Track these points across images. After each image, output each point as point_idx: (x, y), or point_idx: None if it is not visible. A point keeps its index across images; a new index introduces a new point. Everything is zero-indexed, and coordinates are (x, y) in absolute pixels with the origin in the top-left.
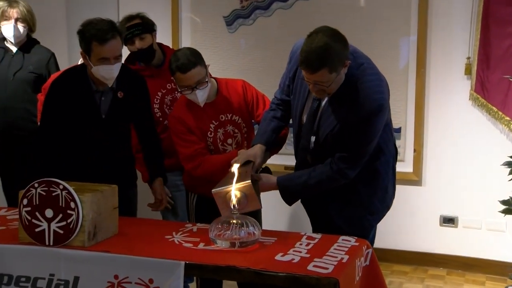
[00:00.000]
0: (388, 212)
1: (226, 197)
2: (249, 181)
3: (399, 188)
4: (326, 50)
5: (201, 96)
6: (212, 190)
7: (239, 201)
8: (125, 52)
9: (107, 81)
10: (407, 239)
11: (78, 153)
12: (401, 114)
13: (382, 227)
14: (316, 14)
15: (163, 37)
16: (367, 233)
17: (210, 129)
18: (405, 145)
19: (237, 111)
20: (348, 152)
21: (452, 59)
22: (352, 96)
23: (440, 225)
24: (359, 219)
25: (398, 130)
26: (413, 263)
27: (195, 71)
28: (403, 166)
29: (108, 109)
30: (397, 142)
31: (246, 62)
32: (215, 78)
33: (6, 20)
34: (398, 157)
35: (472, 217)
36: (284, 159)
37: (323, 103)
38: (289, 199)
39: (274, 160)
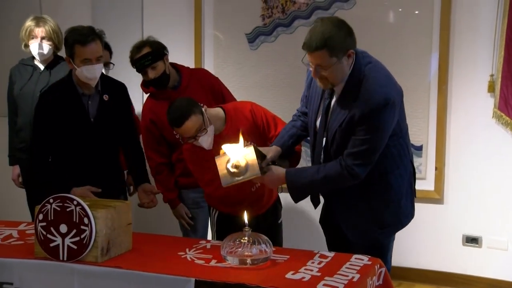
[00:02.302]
0: (409, 230)
1: (226, 163)
2: (252, 147)
3: (420, 206)
4: (328, 33)
5: (205, 142)
6: (223, 185)
7: (239, 165)
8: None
9: (91, 81)
10: (429, 258)
11: (70, 160)
12: (423, 132)
13: (404, 245)
14: None
15: (186, 53)
16: (379, 247)
17: None
18: (427, 163)
19: (248, 137)
20: (356, 148)
21: (474, 77)
22: (358, 91)
23: (463, 244)
24: (368, 231)
25: (420, 147)
26: (435, 283)
27: (189, 123)
28: (425, 184)
29: (96, 112)
30: (419, 160)
31: (268, 78)
32: (222, 107)
33: (33, 39)
34: (419, 175)
35: (497, 237)
36: None
37: (333, 102)
38: (295, 194)
39: None
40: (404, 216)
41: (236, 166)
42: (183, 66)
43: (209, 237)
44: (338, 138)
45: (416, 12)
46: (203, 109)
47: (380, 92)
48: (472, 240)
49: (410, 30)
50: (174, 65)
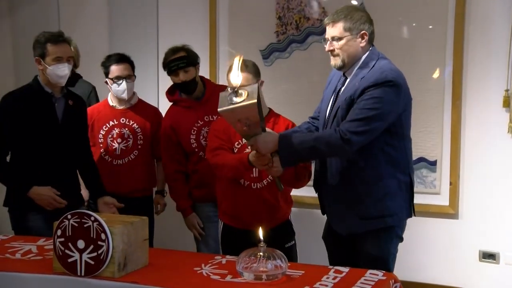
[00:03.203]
0: (425, 245)
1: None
2: (256, 85)
3: (435, 221)
4: (347, 11)
5: None
6: (218, 110)
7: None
8: (167, 81)
9: (61, 80)
10: (445, 274)
11: (33, 159)
12: (437, 147)
13: (420, 260)
14: None
15: (201, 70)
16: (366, 240)
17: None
18: (441, 178)
19: None
20: (353, 116)
21: (489, 91)
22: (367, 73)
23: (480, 260)
24: (351, 222)
25: (434, 163)
26: None
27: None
28: (439, 199)
29: (62, 114)
30: (433, 175)
31: (282, 94)
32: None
33: None
34: (434, 189)
35: None
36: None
37: (342, 89)
38: (285, 155)
39: (304, 192)
40: (389, 216)
41: (236, 91)
42: (209, 81)
43: None
44: (340, 112)
45: (430, 27)
46: (260, 80)
47: (388, 73)
48: (489, 256)
49: (424, 45)
50: (202, 78)
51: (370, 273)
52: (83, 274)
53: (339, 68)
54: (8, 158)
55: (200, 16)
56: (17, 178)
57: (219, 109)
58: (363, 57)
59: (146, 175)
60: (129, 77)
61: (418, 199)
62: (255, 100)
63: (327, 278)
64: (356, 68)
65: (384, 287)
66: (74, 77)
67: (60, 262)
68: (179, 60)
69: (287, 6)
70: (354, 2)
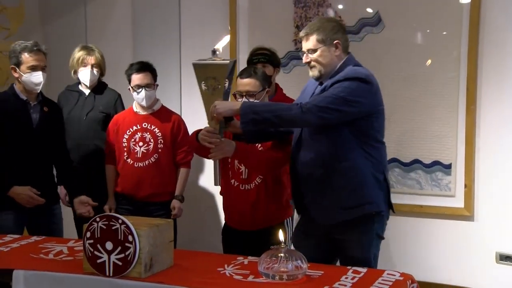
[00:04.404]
0: (441, 246)
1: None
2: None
3: (450, 223)
4: (319, 23)
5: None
6: (192, 62)
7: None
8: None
9: (36, 87)
10: (462, 275)
11: (10, 161)
12: (452, 150)
13: (436, 261)
14: (368, 55)
15: None
16: (342, 232)
17: None
18: (456, 181)
19: None
20: (319, 96)
21: (504, 96)
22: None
23: (497, 262)
24: (332, 211)
25: (449, 166)
26: None
27: (251, 81)
28: (454, 202)
29: (38, 120)
30: (448, 178)
31: None
32: None
33: (84, 66)
34: (449, 192)
35: None
36: None
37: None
38: (245, 117)
39: None
40: (367, 203)
41: (214, 53)
42: (281, 90)
43: None
44: None
45: (444, 33)
46: (267, 89)
47: (359, 71)
48: (506, 258)
49: (438, 51)
50: (276, 85)
51: (388, 273)
52: (111, 274)
53: (317, 79)
54: None
55: (220, 26)
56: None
57: (193, 62)
58: (339, 64)
59: (165, 178)
60: (148, 85)
61: (433, 202)
62: (228, 61)
63: (346, 278)
64: (331, 76)
65: (401, 287)
66: (102, 85)
67: (89, 262)
68: (261, 55)
69: (304, 16)
70: (369, 10)
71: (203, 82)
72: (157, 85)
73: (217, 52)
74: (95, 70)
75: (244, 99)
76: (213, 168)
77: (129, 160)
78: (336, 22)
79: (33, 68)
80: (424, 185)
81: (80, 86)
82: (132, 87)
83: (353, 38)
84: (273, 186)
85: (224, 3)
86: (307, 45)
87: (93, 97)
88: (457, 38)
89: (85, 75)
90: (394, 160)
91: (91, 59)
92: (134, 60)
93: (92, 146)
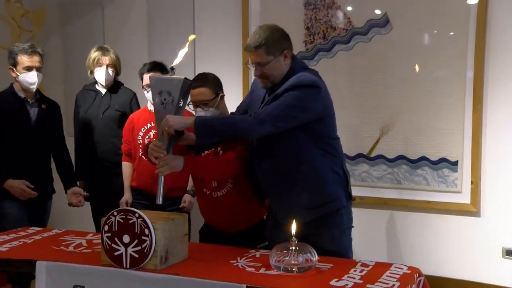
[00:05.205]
0: (447, 241)
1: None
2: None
3: (456, 219)
4: (264, 34)
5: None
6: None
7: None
8: None
9: (32, 86)
10: (468, 269)
11: (8, 156)
12: (458, 148)
13: (442, 256)
14: (376, 55)
15: (234, 76)
16: (313, 228)
17: None
18: (462, 178)
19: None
20: (270, 106)
21: (510, 95)
22: (287, 80)
23: (503, 257)
24: (296, 211)
25: (455, 163)
26: None
27: (202, 90)
28: (460, 198)
29: (36, 117)
30: (454, 175)
31: None
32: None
33: (99, 66)
34: (455, 188)
35: None
36: None
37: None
38: (199, 129)
39: None
40: (330, 201)
41: (172, 69)
42: None
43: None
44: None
45: (451, 33)
46: (221, 95)
47: (306, 77)
48: None
49: (445, 51)
50: None
51: (395, 267)
52: (128, 266)
53: (269, 89)
54: None
55: (233, 27)
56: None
57: (149, 75)
58: (287, 70)
59: (178, 174)
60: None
61: (440, 198)
62: (183, 77)
63: (355, 271)
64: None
65: (408, 281)
66: (117, 84)
67: (107, 255)
68: None
69: (314, 17)
70: (378, 12)
71: (157, 96)
72: None
73: (174, 70)
74: (110, 70)
75: (199, 110)
76: (157, 184)
77: (143, 157)
78: (280, 30)
79: (28, 69)
80: (430, 181)
81: (96, 86)
82: (144, 86)
83: (362, 39)
84: (247, 187)
85: (236, 6)
86: (256, 58)
87: (109, 96)
88: (464, 38)
89: (101, 75)
90: (402, 157)
91: (106, 59)
92: (150, 60)
93: (108, 143)
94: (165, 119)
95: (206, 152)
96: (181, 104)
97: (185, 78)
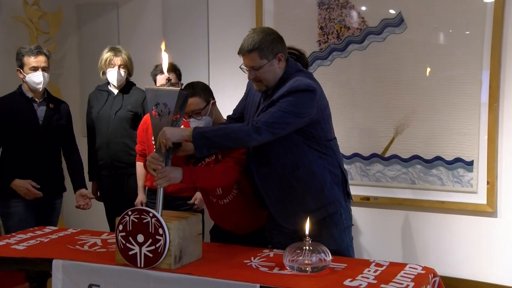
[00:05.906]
0: (464, 242)
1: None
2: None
3: (473, 219)
4: (257, 38)
5: (194, 124)
6: (145, 87)
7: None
8: (217, 88)
9: (38, 86)
10: (483, 271)
11: (17, 156)
12: (474, 148)
13: (458, 257)
14: (390, 55)
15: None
16: (313, 229)
17: None
18: (478, 178)
19: None
20: (267, 112)
21: None
22: (283, 85)
23: None
24: (296, 215)
25: (471, 163)
26: None
27: (192, 100)
28: (476, 198)
29: (43, 117)
30: (469, 175)
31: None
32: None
33: (111, 67)
34: (471, 188)
35: None
36: None
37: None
38: (198, 140)
39: None
40: (329, 203)
41: (169, 81)
42: None
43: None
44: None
45: (467, 32)
46: (212, 101)
47: (301, 82)
48: None
49: (461, 51)
50: None
51: (410, 267)
52: (142, 265)
53: (264, 92)
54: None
55: (247, 28)
56: (3, 171)
57: (145, 87)
58: (281, 73)
59: None
60: (172, 85)
61: (455, 198)
62: (178, 89)
63: (369, 271)
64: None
65: (423, 281)
66: (129, 85)
67: (122, 254)
68: (289, 55)
69: (328, 17)
70: (392, 11)
71: (154, 107)
72: (182, 84)
73: (171, 80)
74: (122, 71)
75: (192, 120)
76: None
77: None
78: (274, 33)
79: (34, 69)
80: (445, 181)
81: (109, 86)
82: None
83: (376, 38)
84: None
85: (250, 6)
86: (249, 62)
87: (121, 97)
88: (480, 37)
89: (113, 76)
90: (416, 157)
91: (118, 60)
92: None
93: (121, 144)
94: (162, 132)
95: (207, 160)
96: (178, 115)
97: (181, 89)
